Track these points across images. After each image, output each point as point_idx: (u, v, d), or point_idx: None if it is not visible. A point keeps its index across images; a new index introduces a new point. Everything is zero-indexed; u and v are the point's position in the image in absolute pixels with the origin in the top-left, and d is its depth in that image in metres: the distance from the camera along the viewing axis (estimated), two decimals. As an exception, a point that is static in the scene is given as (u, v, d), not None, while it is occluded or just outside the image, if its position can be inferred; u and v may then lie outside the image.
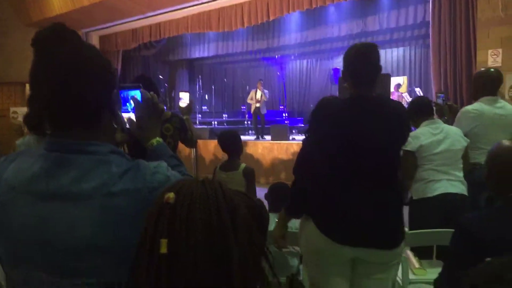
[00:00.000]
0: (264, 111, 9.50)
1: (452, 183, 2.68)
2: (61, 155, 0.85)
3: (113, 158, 0.87)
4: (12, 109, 9.52)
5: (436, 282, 1.50)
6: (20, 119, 8.67)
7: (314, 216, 1.74)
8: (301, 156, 1.86)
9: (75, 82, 0.83)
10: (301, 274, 2.40)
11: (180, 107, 3.18)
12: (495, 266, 0.66)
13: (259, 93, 9.41)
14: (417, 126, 2.89)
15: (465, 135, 2.86)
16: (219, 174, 3.08)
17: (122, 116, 1.13)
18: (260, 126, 9.46)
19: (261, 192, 2.86)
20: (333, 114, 1.76)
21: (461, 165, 2.76)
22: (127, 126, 1.15)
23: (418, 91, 8.03)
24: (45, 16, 8.73)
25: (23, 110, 8.68)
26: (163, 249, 0.65)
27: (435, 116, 3.02)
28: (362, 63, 1.75)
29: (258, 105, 9.42)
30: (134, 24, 9.44)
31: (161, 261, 0.66)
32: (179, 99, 10.43)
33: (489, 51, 5.43)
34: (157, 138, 1.16)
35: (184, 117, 2.90)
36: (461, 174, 2.74)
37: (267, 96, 9.61)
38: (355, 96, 1.78)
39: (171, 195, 0.69)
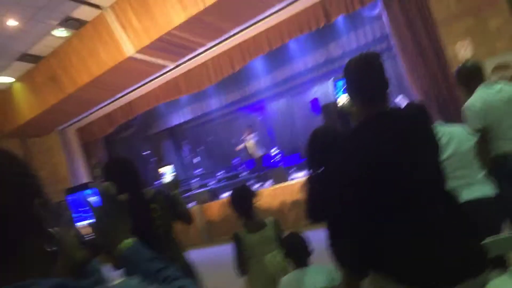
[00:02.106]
0: (257, 154, 9.45)
1: (471, 188, 2.40)
2: None
3: None
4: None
5: None
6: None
7: (384, 269, 1.40)
8: (325, 197, 1.58)
9: None
10: None
11: (166, 184, 2.96)
12: None
13: (248, 141, 9.48)
14: None
15: (482, 129, 2.63)
16: (251, 238, 2.73)
17: (76, 228, 0.89)
18: (261, 172, 9.39)
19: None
20: (357, 144, 1.44)
21: (478, 164, 2.49)
22: (87, 236, 0.89)
23: (401, 97, 7.92)
24: (18, 124, 8.71)
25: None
26: None
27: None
28: (369, 75, 1.46)
29: (251, 152, 9.41)
30: (107, 109, 9.45)
31: None
32: (162, 175, 10.00)
33: (457, 44, 5.39)
34: (126, 241, 0.88)
35: (172, 193, 2.62)
36: (479, 174, 2.46)
37: (254, 140, 9.57)
38: (373, 115, 1.47)
39: None
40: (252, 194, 2.88)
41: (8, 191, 0.63)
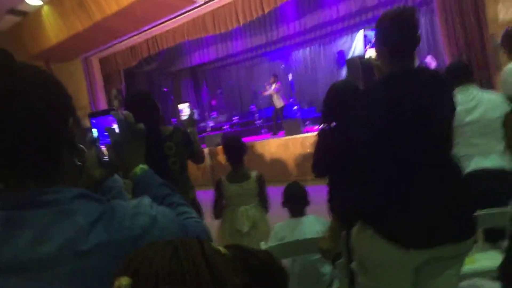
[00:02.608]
0: (277, 105, 9.49)
1: (488, 157, 2.38)
2: (11, 213, 0.64)
3: (79, 205, 0.67)
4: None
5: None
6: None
7: (373, 222, 1.48)
8: (335, 151, 1.65)
9: (4, 120, 0.65)
10: (335, 283, 2.23)
11: (182, 121, 3.03)
12: None
13: (272, 90, 9.52)
14: None
15: None
16: (230, 188, 2.85)
17: (99, 148, 0.96)
18: (278, 121, 9.46)
19: (279, 191, 2.68)
20: (380, 96, 1.48)
21: (501, 135, 2.43)
22: (106, 157, 0.96)
23: (431, 58, 7.72)
24: (43, 48, 8.73)
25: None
26: None
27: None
28: (401, 31, 1.48)
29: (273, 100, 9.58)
30: (131, 41, 9.36)
31: None
32: (180, 111, 10.08)
33: (499, 5, 5.15)
34: (141, 166, 0.96)
35: (188, 130, 2.68)
36: (500, 145, 2.41)
37: (275, 90, 9.61)
38: (398, 71, 1.50)
39: (124, 281, 0.45)
40: (242, 146, 2.93)
41: (50, 109, 0.70)
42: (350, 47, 10.51)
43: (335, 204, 1.84)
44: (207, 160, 8.28)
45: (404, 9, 1.49)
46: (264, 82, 10.51)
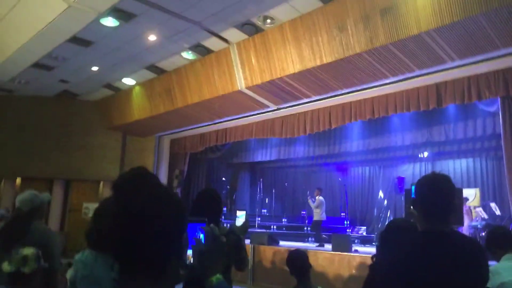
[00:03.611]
0: (315, 217, 9.29)
1: None
2: None
3: None
4: (84, 204, 10.03)
5: None
6: (91, 214, 8.84)
7: None
8: None
9: (144, 236, 0.77)
10: None
11: (236, 226, 3.13)
12: None
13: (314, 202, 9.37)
14: (497, 260, 2.54)
15: None
16: None
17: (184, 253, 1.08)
18: (322, 233, 9.13)
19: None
20: (404, 250, 1.60)
21: None
22: (188, 261, 1.07)
23: (494, 207, 7.37)
24: (125, 122, 9.67)
25: (95, 206, 8.99)
26: None
27: None
28: (435, 196, 1.61)
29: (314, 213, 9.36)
30: (203, 129, 10.10)
31: None
32: (236, 216, 10.29)
33: None
34: (217, 276, 1.07)
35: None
36: None
37: (313, 203, 9.47)
38: (427, 232, 1.62)
39: None
40: (307, 263, 2.95)
41: (174, 227, 0.83)
42: (411, 176, 10.39)
43: None
44: (250, 257, 8.09)
45: (441, 178, 1.63)
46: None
